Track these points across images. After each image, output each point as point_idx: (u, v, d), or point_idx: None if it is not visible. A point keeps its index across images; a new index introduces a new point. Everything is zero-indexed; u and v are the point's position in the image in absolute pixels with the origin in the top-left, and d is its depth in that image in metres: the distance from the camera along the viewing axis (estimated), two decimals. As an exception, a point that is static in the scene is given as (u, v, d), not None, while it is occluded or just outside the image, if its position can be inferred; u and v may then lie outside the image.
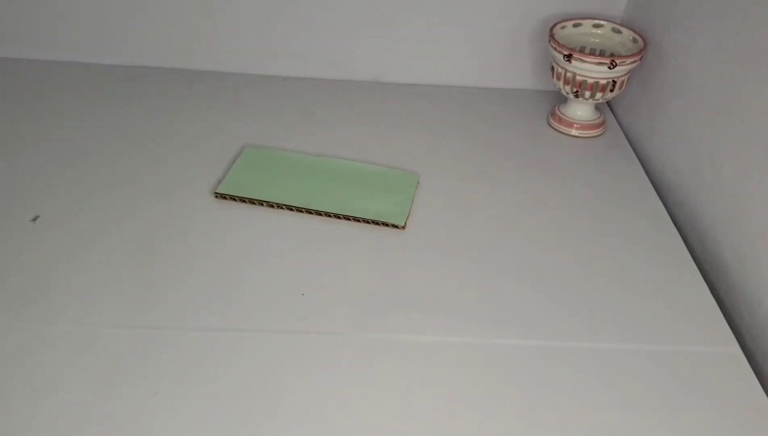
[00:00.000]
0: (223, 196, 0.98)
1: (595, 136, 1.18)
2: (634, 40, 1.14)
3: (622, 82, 1.12)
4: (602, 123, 1.19)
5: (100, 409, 0.71)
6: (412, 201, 0.99)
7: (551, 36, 1.12)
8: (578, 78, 1.10)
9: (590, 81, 1.10)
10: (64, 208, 0.95)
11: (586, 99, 1.13)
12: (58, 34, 1.23)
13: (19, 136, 1.07)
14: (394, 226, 0.95)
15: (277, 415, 0.72)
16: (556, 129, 1.19)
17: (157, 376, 0.75)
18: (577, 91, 1.12)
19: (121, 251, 0.89)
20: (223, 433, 0.70)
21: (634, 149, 1.16)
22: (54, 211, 0.94)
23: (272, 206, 0.97)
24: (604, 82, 1.10)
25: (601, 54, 1.15)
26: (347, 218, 0.96)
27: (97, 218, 0.93)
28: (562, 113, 1.18)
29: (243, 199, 0.97)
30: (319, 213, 0.96)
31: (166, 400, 0.72)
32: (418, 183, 1.03)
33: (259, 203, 0.97)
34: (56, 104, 1.14)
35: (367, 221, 0.95)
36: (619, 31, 1.16)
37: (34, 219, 0.92)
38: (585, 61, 1.08)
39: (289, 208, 0.97)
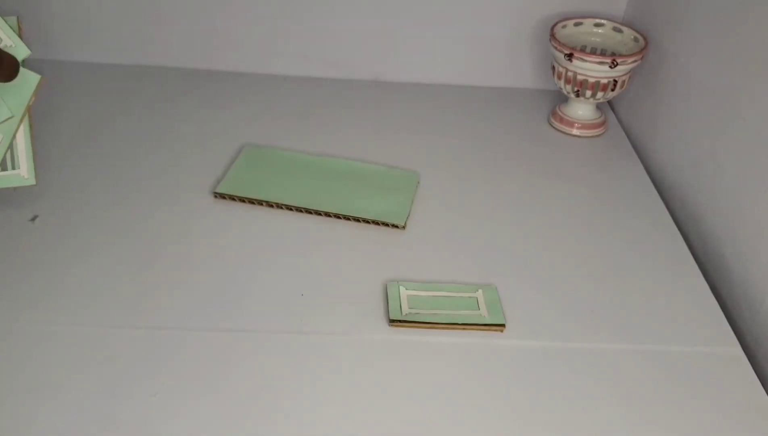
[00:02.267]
0: (223, 196, 0.98)
1: (596, 135, 1.18)
2: (635, 40, 1.13)
3: (623, 81, 1.12)
4: (603, 122, 1.19)
5: (100, 409, 0.71)
6: (413, 201, 0.99)
7: (552, 35, 1.12)
8: (579, 77, 1.10)
9: (591, 80, 1.10)
10: (64, 208, 0.94)
11: (587, 98, 1.13)
12: (58, 34, 1.23)
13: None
14: (394, 226, 0.95)
15: (277, 415, 0.72)
16: (557, 128, 1.18)
17: (157, 376, 0.75)
18: (578, 91, 1.12)
19: (121, 250, 0.89)
20: (223, 433, 0.70)
21: (636, 149, 1.15)
22: (54, 211, 0.94)
23: (272, 206, 0.97)
24: (605, 81, 1.10)
25: (602, 53, 1.15)
26: (347, 217, 0.96)
27: (97, 218, 0.93)
28: (563, 113, 1.18)
29: (243, 199, 0.97)
30: (318, 213, 0.96)
31: (166, 400, 0.72)
32: (418, 182, 1.03)
33: (258, 203, 0.97)
34: (56, 104, 1.14)
35: (367, 221, 0.95)
36: (620, 31, 1.16)
37: (33, 219, 0.92)
38: (586, 61, 1.08)
39: (289, 208, 0.97)
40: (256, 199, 0.97)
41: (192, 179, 1.01)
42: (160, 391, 0.73)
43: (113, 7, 1.20)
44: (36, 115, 1.12)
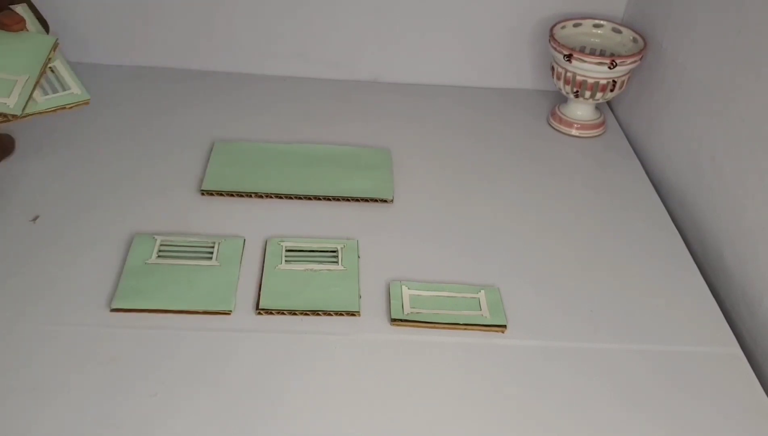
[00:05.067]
0: (210, 193, 0.98)
1: (596, 136, 1.18)
2: (634, 40, 1.14)
3: (622, 82, 1.12)
4: (602, 123, 1.19)
5: (99, 409, 0.71)
6: (392, 175, 1.02)
7: (551, 36, 1.12)
8: (578, 78, 1.10)
9: (590, 81, 1.10)
10: (65, 207, 0.94)
11: (587, 99, 1.13)
12: (58, 35, 1.23)
13: (19, 136, 1.07)
14: (383, 200, 0.97)
15: (277, 415, 0.72)
16: (556, 129, 1.18)
17: (157, 376, 0.75)
18: (577, 91, 1.12)
19: (120, 250, 0.89)
20: (223, 433, 0.70)
21: (634, 149, 1.16)
22: (54, 211, 0.94)
23: (261, 197, 0.98)
24: (604, 82, 1.10)
25: (602, 54, 1.15)
26: (336, 198, 0.98)
27: (97, 218, 0.93)
28: (563, 113, 1.18)
29: (231, 194, 0.97)
30: (308, 197, 0.98)
31: (166, 400, 0.72)
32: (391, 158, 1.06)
33: (247, 195, 0.97)
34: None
35: (356, 200, 0.97)
36: (619, 31, 1.16)
37: (34, 219, 0.92)
38: (585, 61, 1.08)
39: (278, 196, 0.98)
40: (244, 192, 0.98)
41: (192, 179, 1.01)
42: (159, 391, 0.73)
43: (112, 8, 1.20)
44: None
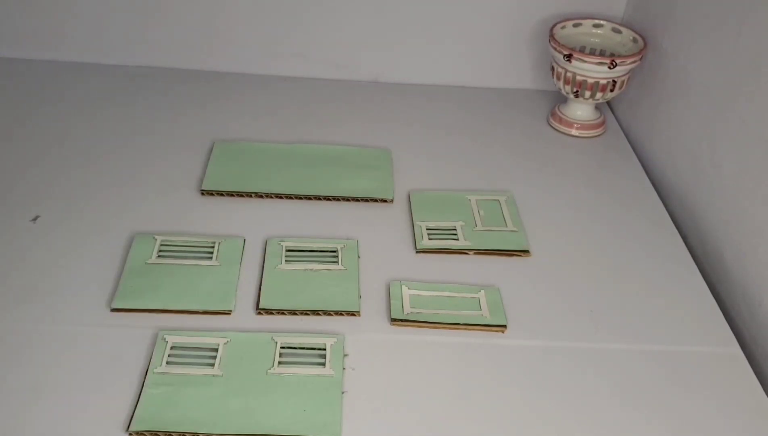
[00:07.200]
0: (210, 193, 0.98)
1: (596, 136, 1.18)
2: (634, 40, 1.14)
3: (622, 82, 1.12)
4: (602, 123, 1.19)
5: (99, 409, 0.71)
6: (392, 175, 1.03)
7: (551, 36, 1.12)
8: (578, 78, 1.10)
9: (590, 81, 1.10)
10: (65, 207, 0.95)
11: (586, 99, 1.13)
12: (59, 35, 1.23)
13: (20, 136, 1.07)
14: (383, 200, 0.98)
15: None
16: (556, 129, 1.19)
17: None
18: (577, 91, 1.12)
19: (120, 250, 0.89)
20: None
21: (634, 149, 1.16)
22: (54, 211, 0.94)
23: (261, 197, 0.98)
24: (604, 82, 1.10)
25: (601, 54, 1.15)
26: (336, 198, 0.98)
27: (97, 218, 0.93)
28: (563, 113, 1.18)
29: (231, 194, 0.97)
30: (308, 197, 0.98)
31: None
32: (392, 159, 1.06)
33: (247, 195, 0.97)
34: (57, 105, 1.14)
35: (356, 199, 0.97)
36: (619, 31, 1.16)
37: (34, 219, 0.92)
38: (585, 61, 1.08)
39: (278, 196, 0.98)
40: (244, 192, 0.98)
41: (192, 179, 1.01)
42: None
43: (114, 9, 1.20)
44: (36, 115, 1.12)
